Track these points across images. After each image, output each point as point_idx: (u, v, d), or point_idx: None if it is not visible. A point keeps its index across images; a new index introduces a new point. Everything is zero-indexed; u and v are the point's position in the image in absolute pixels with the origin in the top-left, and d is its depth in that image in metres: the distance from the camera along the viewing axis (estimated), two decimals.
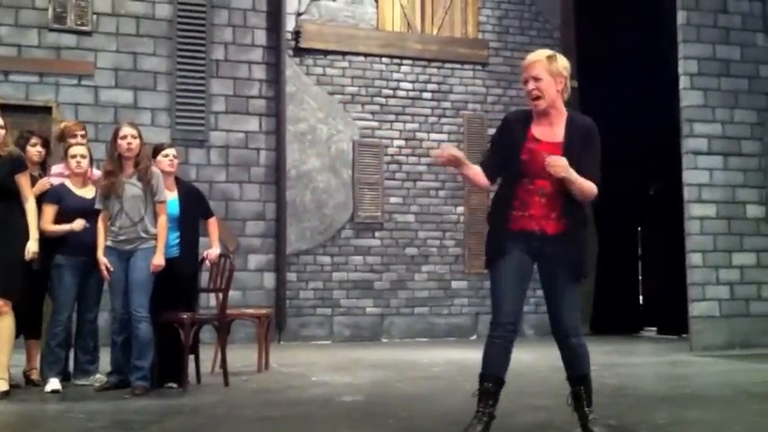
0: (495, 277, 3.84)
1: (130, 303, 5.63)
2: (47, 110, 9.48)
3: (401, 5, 11.20)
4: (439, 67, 11.33)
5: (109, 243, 5.71)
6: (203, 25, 10.23)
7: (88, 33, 9.78)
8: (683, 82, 8.93)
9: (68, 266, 5.81)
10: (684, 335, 9.59)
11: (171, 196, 6.03)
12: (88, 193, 5.99)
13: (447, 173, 11.23)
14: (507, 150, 3.86)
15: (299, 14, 10.72)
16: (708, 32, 9.03)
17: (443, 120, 11.31)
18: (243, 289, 9.91)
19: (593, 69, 11.54)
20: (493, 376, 3.80)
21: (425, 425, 4.54)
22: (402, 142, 11.10)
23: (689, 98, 8.94)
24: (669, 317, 11.07)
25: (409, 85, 11.19)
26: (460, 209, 11.28)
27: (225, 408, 5.16)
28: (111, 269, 5.68)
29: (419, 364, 7.74)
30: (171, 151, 6.20)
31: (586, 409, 3.88)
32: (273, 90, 10.49)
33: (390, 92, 11.10)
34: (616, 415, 4.59)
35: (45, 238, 5.63)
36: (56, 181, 6.05)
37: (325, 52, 10.81)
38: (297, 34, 10.65)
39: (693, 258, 8.77)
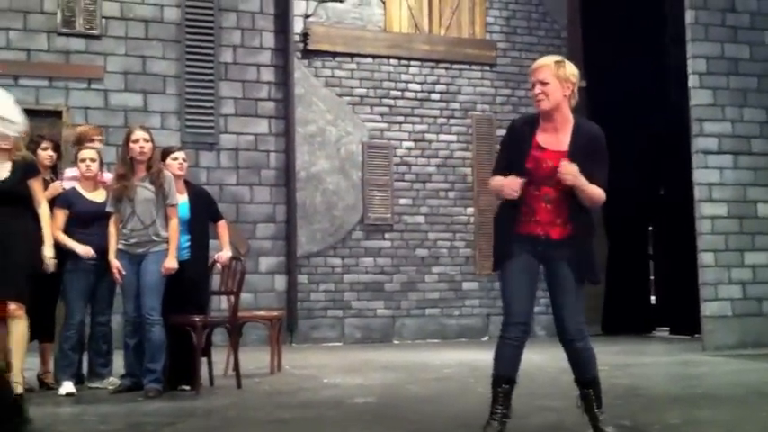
0: (503, 279, 3.88)
1: (142, 306, 5.66)
2: (57, 114, 9.52)
3: (408, 7, 11.21)
4: (447, 68, 11.33)
5: (120, 246, 5.74)
6: (212, 28, 10.26)
7: (97, 37, 9.82)
8: (692, 81, 8.90)
9: (81, 270, 5.83)
10: (696, 335, 9.56)
11: (181, 199, 6.05)
12: (99, 196, 6.01)
13: (456, 174, 11.25)
14: (514, 156, 3.88)
15: (306, 17, 10.74)
16: (716, 31, 9.00)
17: (452, 121, 11.31)
18: (254, 291, 9.92)
19: (601, 69, 11.52)
20: (506, 377, 3.82)
21: (437, 427, 4.54)
22: (411, 144, 11.11)
23: (698, 97, 8.91)
24: (681, 317, 11.03)
25: (417, 87, 11.20)
26: (470, 210, 11.27)
27: (237, 410, 5.17)
28: (123, 272, 5.71)
29: (430, 365, 7.74)
30: (180, 154, 6.23)
31: (596, 410, 3.90)
32: (282, 92, 10.52)
33: (399, 93, 11.11)
34: (628, 415, 4.58)
35: (58, 243, 5.67)
36: (69, 185, 6.08)
37: (334, 54, 10.82)
38: (305, 36, 10.67)
39: (705, 258, 8.75)
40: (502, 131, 11.32)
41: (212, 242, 6.44)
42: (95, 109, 9.72)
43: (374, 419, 4.77)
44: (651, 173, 11.95)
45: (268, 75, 10.51)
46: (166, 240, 5.75)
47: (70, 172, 6.21)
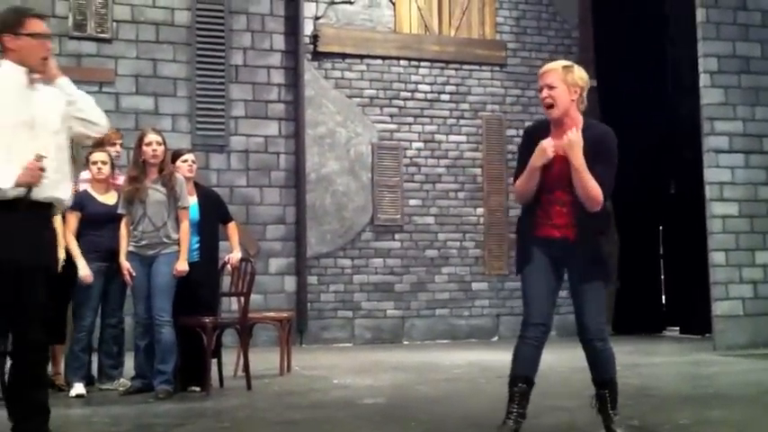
0: (524, 280, 3.94)
1: (153, 308, 5.69)
2: None
3: (418, 8, 11.21)
4: (457, 69, 11.32)
5: (131, 248, 5.77)
6: (222, 31, 10.29)
7: (108, 41, 9.87)
8: (704, 80, 8.87)
9: (92, 272, 5.86)
10: (707, 334, 9.52)
11: (191, 201, 6.07)
12: (110, 199, 6.05)
13: (466, 174, 11.24)
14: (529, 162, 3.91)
15: (316, 18, 10.76)
16: (727, 30, 8.96)
17: (462, 121, 11.31)
18: (264, 293, 9.94)
19: (612, 68, 11.49)
20: (524, 377, 3.85)
21: (447, 427, 4.54)
22: (421, 144, 11.10)
23: (709, 96, 8.88)
24: (692, 316, 10.99)
25: (427, 87, 11.19)
26: (480, 210, 11.26)
27: (247, 411, 5.19)
28: (134, 274, 5.74)
29: (440, 366, 7.74)
30: (189, 156, 6.26)
31: (611, 411, 3.93)
32: (292, 94, 10.54)
33: (408, 94, 11.11)
34: (639, 415, 4.57)
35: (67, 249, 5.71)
36: (83, 188, 6.11)
37: (343, 55, 10.83)
38: (315, 38, 10.69)
39: (716, 257, 8.71)
40: (512, 132, 11.49)
41: (222, 244, 6.47)
42: (106, 112, 9.40)
43: (384, 420, 4.78)
44: (662, 172, 11.90)
45: (278, 77, 10.54)
46: (177, 242, 5.78)
47: (85, 175, 6.23)
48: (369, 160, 10.84)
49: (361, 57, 10.90)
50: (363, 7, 11.00)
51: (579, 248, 3.82)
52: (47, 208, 3.72)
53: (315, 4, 10.74)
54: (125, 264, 5.75)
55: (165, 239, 5.76)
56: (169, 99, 10.05)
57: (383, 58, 10.99)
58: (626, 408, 4.49)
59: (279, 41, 10.57)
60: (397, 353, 9.20)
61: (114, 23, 9.90)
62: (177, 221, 5.81)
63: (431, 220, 11.05)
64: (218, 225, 6.40)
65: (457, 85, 11.32)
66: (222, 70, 10.25)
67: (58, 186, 3.70)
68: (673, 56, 11.40)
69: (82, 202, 5.95)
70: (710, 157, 8.82)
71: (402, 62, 11.10)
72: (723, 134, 8.87)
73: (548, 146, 3.81)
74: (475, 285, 11.14)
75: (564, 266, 3.92)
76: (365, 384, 6.35)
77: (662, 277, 12.40)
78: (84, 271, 5.80)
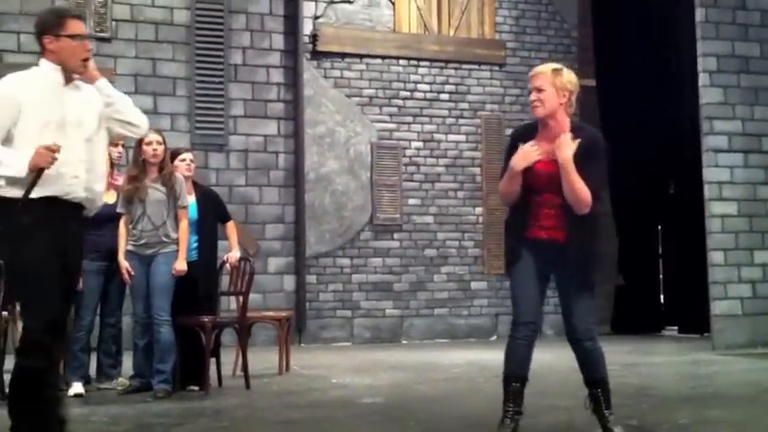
0: (513, 279, 3.96)
1: (152, 307, 5.69)
2: None
3: (417, 7, 11.20)
4: (456, 69, 11.32)
5: (130, 247, 5.77)
6: (221, 30, 10.28)
7: (107, 40, 9.86)
8: (703, 79, 8.87)
9: (90, 271, 5.85)
10: (706, 334, 9.52)
11: (189, 200, 6.07)
12: (110, 198, 6.04)
13: (465, 174, 11.24)
14: None
15: (316, 18, 10.75)
16: (726, 29, 8.96)
17: (461, 121, 11.30)
18: (263, 292, 9.94)
19: (611, 68, 11.50)
20: (517, 375, 3.87)
21: (446, 426, 4.54)
22: (420, 144, 11.10)
23: (708, 95, 8.88)
24: (691, 316, 10.99)
25: (426, 87, 11.19)
26: (479, 210, 11.26)
27: (246, 410, 5.19)
28: (133, 273, 5.74)
29: (439, 365, 7.74)
30: (188, 155, 6.26)
31: (605, 411, 3.94)
32: (291, 93, 10.53)
33: (408, 93, 11.11)
34: (638, 415, 4.57)
35: None
36: None
37: (343, 55, 10.83)
38: (314, 38, 10.68)
39: (715, 257, 8.71)
40: (511, 131, 11.41)
41: (221, 243, 6.47)
42: None
43: (383, 419, 4.78)
44: (661, 171, 11.90)
45: (277, 76, 10.53)
46: (176, 241, 5.78)
47: None
48: (368, 160, 10.84)
49: (361, 56, 10.90)
50: (363, 7, 10.99)
51: (568, 250, 3.83)
52: (77, 208, 3.63)
53: (314, 3, 10.73)
54: (123, 263, 5.75)
55: (164, 239, 5.76)
56: (168, 98, 10.05)
57: (382, 57, 10.99)
58: (625, 407, 4.50)
59: (278, 41, 10.57)
60: (396, 352, 9.20)
61: (113, 23, 9.90)
62: (176, 221, 5.81)
63: (430, 219, 11.05)
64: (216, 224, 6.40)
65: (456, 84, 11.32)
66: (221, 69, 10.25)
67: (89, 186, 3.62)
68: (672, 56, 11.39)
69: None
70: (709, 157, 8.82)
71: (401, 62, 11.09)
72: (722, 134, 8.87)
73: (530, 150, 3.80)
74: (474, 285, 11.14)
75: (551, 267, 3.94)
76: (364, 384, 6.35)
77: (661, 277, 12.40)
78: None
